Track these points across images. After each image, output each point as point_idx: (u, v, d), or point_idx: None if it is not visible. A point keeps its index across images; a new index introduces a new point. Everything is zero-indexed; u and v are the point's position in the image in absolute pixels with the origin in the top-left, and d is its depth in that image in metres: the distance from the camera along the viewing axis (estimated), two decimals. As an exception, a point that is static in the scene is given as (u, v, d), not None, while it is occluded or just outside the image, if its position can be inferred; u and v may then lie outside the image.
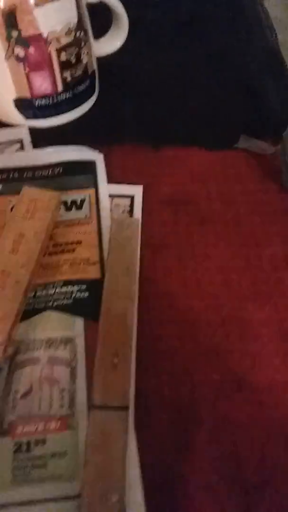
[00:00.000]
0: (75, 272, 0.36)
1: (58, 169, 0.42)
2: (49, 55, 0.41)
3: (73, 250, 0.37)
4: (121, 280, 0.35)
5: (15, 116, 0.44)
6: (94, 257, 0.37)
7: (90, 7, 0.43)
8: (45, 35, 0.40)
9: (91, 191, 0.41)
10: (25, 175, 0.42)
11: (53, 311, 0.34)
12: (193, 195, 0.41)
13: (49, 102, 0.43)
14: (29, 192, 0.39)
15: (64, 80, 0.42)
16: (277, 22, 0.54)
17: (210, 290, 0.36)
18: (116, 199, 0.41)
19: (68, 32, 0.41)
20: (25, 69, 0.41)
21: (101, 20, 0.45)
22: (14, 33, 0.40)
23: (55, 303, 0.34)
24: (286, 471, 0.28)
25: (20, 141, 0.44)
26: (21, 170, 0.42)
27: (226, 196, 0.41)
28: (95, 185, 0.41)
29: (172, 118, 0.46)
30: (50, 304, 0.34)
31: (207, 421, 0.30)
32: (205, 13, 0.55)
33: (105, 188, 0.41)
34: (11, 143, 0.44)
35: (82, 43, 0.43)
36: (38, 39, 0.40)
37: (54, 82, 0.42)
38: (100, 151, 0.43)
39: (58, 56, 0.41)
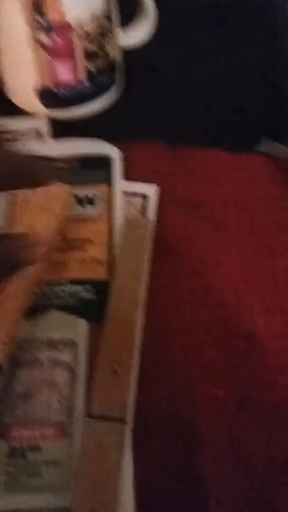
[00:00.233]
0: (83, 271, 0.35)
1: (73, 161, 0.41)
2: (73, 43, 0.39)
3: (82, 247, 0.36)
4: (129, 284, 0.34)
5: (35, 104, 0.43)
6: (103, 257, 0.36)
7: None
8: (70, 22, 0.38)
9: (105, 187, 0.39)
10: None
11: (57, 311, 0.33)
12: (208, 198, 0.40)
13: (71, 92, 0.41)
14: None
15: (87, 70, 0.41)
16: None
17: (219, 300, 0.35)
18: (130, 197, 0.39)
19: (93, 21, 0.39)
20: (48, 57, 0.39)
21: (129, 10, 0.43)
22: (40, 19, 0.38)
23: (60, 302, 0.33)
24: None
25: (37, 131, 0.42)
26: (34, 160, 0.41)
27: (241, 201, 0.40)
28: (110, 181, 0.40)
29: (194, 117, 0.44)
30: (55, 302, 0.33)
31: (208, 440, 0.29)
32: (233, 6, 0.52)
33: (119, 185, 0.39)
34: (27, 132, 0.42)
35: (108, 33, 0.41)
36: (63, 26, 0.38)
37: (77, 72, 0.41)
38: (116, 146, 0.41)
39: (83, 45, 0.40)
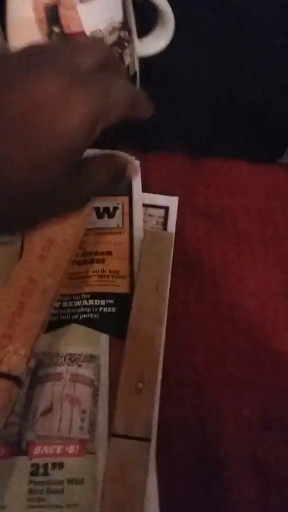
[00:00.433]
0: (104, 285, 0.35)
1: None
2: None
3: (103, 261, 0.36)
4: (151, 299, 0.33)
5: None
6: (124, 270, 0.35)
7: (135, 3, 0.41)
8: (87, 33, 0.38)
9: (124, 199, 0.39)
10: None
11: (78, 325, 0.33)
12: (230, 210, 0.39)
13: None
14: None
15: (105, 81, 0.41)
16: None
17: (243, 316, 0.34)
18: (150, 209, 0.39)
19: (111, 32, 0.39)
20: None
21: (147, 17, 0.42)
22: (56, 29, 0.38)
23: (81, 316, 0.33)
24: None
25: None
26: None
27: (265, 213, 0.39)
28: (129, 193, 0.39)
29: (215, 127, 0.44)
30: (76, 317, 0.33)
31: (233, 460, 0.28)
32: (253, 12, 0.52)
33: (139, 197, 0.39)
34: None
35: (126, 44, 0.41)
36: (81, 37, 0.38)
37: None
38: (136, 157, 0.41)
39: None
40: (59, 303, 0.33)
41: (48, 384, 0.30)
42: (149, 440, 0.28)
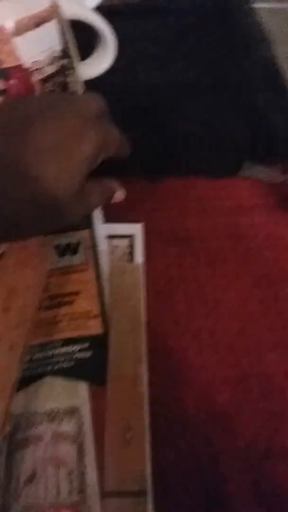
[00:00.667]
0: (75, 328, 0.32)
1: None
2: (33, 87, 0.37)
3: (72, 302, 0.34)
4: (128, 337, 0.31)
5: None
6: (95, 310, 0.33)
7: (74, 25, 0.40)
8: (27, 65, 0.36)
9: (86, 232, 0.37)
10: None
11: (53, 377, 0.30)
12: (197, 230, 0.38)
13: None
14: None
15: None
16: (272, 34, 0.51)
17: (225, 341, 0.33)
18: (114, 240, 0.37)
19: (52, 61, 0.37)
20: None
21: (87, 37, 0.41)
22: (-6, 65, 0.36)
23: (55, 367, 0.31)
24: None
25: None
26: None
27: (234, 230, 0.38)
28: (90, 225, 0.38)
29: (169, 146, 0.43)
30: (50, 368, 0.31)
31: (235, 496, 0.27)
32: (197, 28, 0.51)
33: (101, 228, 0.37)
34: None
35: (68, 71, 0.39)
36: (19, 71, 0.36)
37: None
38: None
39: (43, 87, 0.38)
40: (29, 355, 0.31)
41: (28, 448, 0.28)
42: (145, 492, 0.26)
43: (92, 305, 0.33)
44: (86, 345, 0.32)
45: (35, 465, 0.27)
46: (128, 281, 0.34)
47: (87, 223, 0.38)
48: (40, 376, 0.30)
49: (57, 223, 0.27)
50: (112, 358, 0.30)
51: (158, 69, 0.49)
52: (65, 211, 0.27)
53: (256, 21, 0.51)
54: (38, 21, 0.36)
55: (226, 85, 0.46)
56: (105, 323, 0.33)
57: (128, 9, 0.53)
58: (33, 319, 0.32)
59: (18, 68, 0.36)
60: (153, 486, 0.27)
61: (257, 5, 0.52)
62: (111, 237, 0.37)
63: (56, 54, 0.38)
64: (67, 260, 0.36)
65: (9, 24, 0.35)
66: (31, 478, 0.27)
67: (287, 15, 0.56)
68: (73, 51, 0.40)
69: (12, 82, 0.37)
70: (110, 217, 0.38)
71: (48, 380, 0.30)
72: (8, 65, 0.36)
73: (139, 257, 0.36)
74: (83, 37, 0.41)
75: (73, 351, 0.31)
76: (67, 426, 0.28)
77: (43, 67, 0.37)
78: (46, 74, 0.38)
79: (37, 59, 0.37)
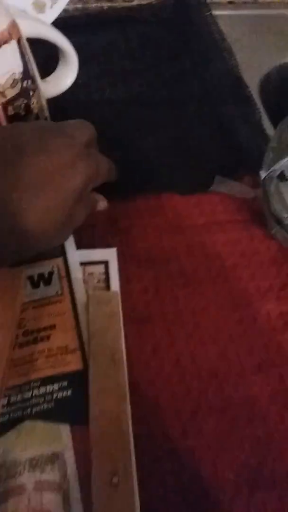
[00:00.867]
0: (54, 366, 0.31)
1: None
2: (-5, 112, 0.35)
3: (48, 337, 0.32)
4: (109, 372, 0.30)
5: None
6: (72, 344, 0.32)
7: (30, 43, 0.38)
8: (-15, 91, 0.34)
9: (59, 260, 0.36)
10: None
11: (32, 421, 0.29)
12: (172, 250, 0.37)
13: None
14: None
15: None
16: (233, 42, 0.50)
17: (207, 366, 0.32)
18: (88, 267, 0.36)
19: (13, 84, 0.35)
20: None
21: (44, 53, 0.39)
22: None
23: (34, 410, 0.29)
24: None
25: None
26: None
27: (209, 248, 0.37)
28: (63, 253, 0.36)
29: (138, 161, 0.42)
30: (28, 411, 0.29)
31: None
32: (157, 39, 0.50)
33: (74, 255, 0.36)
34: None
35: (31, 93, 0.38)
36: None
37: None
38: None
39: (5, 111, 0.36)
40: (6, 398, 0.30)
41: (10, 501, 0.26)
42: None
43: (69, 339, 0.32)
44: (66, 383, 0.30)
45: (19, 517, 0.26)
46: (105, 310, 0.33)
47: (60, 251, 0.36)
48: (19, 420, 0.29)
49: (35, 254, 0.28)
50: (93, 395, 0.29)
51: (122, 82, 0.48)
52: (46, 244, 0.27)
53: (217, 29, 0.50)
54: (-4, 44, 0.34)
55: (191, 98, 0.46)
56: (84, 357, 0.32)
57: (88, 19, 0.52)
58: (8, 359, 0.30)
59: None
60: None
61: (217, 12, 0.52)
62: (85, 263, 0.36)
63: (17, 77, 0.36)
64: (41, 292, 0.34)
65: None
66: (15, 533, 0.26)
67: (246, 21, 0.55)
68: (34, 70, 0.39)
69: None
70: (82, 239, 0.36)
71: (28, 425, 0.29)
72: None
73: (116, 283, 0.35)
74: (40, 54, 0.39)
75: (52, 390, 0.30)
76: (50, 474, 0.27)
77: (4, 91, 0.35)
78: (7, 98, 0.36)
79: (-3, 84, 0.35)
